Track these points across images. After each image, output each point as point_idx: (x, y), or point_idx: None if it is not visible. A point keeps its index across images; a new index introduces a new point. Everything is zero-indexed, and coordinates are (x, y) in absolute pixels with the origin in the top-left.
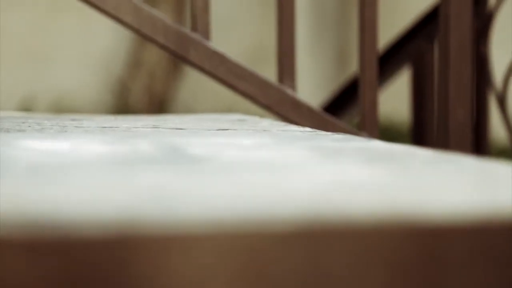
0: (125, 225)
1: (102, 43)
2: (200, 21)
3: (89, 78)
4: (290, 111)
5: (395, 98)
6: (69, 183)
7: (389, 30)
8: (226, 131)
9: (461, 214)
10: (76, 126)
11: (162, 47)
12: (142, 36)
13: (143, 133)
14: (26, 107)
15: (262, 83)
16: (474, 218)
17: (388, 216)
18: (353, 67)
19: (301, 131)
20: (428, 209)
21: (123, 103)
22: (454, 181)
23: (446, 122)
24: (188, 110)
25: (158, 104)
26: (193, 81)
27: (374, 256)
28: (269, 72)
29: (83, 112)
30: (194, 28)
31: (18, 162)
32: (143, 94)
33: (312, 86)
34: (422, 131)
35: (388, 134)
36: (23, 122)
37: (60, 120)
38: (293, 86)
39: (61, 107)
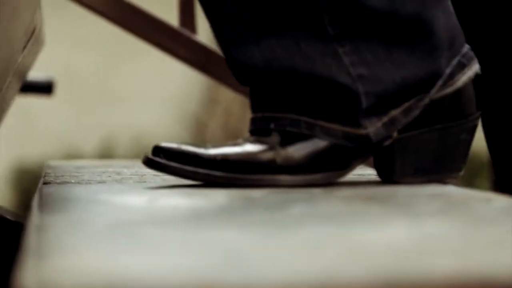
0: None
1: (178, 81)
2: None
3: (166, 115)
4: None
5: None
6: (145, 245)
7: None
8: None
9: None
10: (154, 175)
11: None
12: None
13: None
14: (107, 145)
15: None
16: None
17: (461, 276)
18: None
19: (376, 175)
20: (502, 269)
21: (200, 140)
22: None
23: None
24: None
25: (235, 140)
26: None
27: None
28: None
29: None
30: None
31: (98, 221)
32: (220, 131)
33: None
34: (502, 162)
35: (469, 165)
36: (103, 172)
37: (138, 168)
38: None
39: (140, 145)
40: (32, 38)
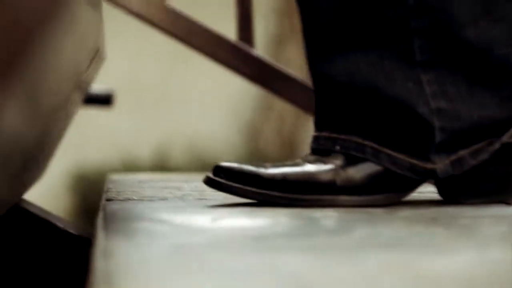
0: None
1: (233, 88)
2: None
3: (222, 122)
4: None
5: None
6: (210, 271)
7: None
8: None
9: None
10: (214, 191)
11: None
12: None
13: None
14: (163, 151)
15: None
16: None
17: None
18: None
19: (436, 192)
20: None
21: (254, 146)
22: None
23: None
24: None
25: (289, 147)
26: None
27: None
28: None
29: (216, 155)
30: None
31: (162, 244)
32: (274, 137)
33: None
34: None
35: None
36: (164, 188)
37: (198, 182)
38: None
39: (195, 151)
40: (96, 58)
